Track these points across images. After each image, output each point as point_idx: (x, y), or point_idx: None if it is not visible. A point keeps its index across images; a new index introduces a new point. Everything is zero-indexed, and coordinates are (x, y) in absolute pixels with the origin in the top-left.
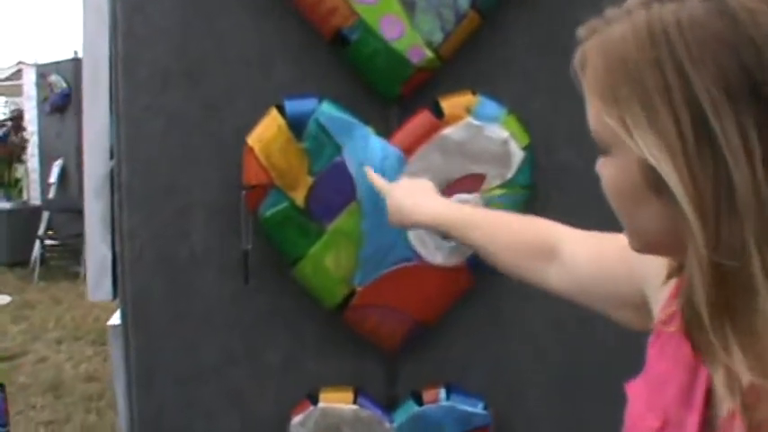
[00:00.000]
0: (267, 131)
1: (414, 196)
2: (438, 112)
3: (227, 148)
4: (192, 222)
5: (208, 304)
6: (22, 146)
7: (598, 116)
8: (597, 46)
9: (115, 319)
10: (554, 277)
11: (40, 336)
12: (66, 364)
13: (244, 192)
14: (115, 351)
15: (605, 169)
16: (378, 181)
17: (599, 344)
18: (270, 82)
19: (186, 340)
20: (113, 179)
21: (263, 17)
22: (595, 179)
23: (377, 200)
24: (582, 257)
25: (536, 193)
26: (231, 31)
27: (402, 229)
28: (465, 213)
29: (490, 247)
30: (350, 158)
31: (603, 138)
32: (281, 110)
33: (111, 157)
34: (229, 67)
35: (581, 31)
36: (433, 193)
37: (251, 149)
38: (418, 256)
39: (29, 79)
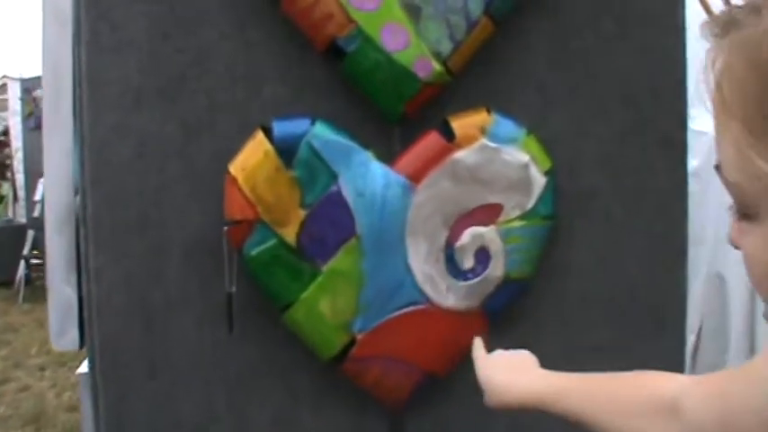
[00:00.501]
0: (252, 158)
1: (508, 371)
2: (448, 134)
3: (207, 176)
4: (168, 261)
5: (186, 354)
6: (5, 162)
7: (740, 156)
8: (739, 44)
9: (84, 366)
10: None
11: (22, 362)
12: (48, 393)
13: (226, 227)
14: (85, 401)
15: (749, 239)
16: (478, 350)
17: None
18: (255, 100)
19: (162, 395)
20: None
21: (249, 27)
22: (624, 207)
23: (379, 235)
24: (702, 405)
25: (558, 223)
26: (212, 43)
27: (494, 408)
28: (564, 382)
29: (601, 416)
30: (347, 188)
31: (748, 192)
32: (268, 132)
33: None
34: (210, 82)
35: (710, 25)
36: (532, 368)
37: (234, 179)
38: (427, 299)
39: (14, 94)
